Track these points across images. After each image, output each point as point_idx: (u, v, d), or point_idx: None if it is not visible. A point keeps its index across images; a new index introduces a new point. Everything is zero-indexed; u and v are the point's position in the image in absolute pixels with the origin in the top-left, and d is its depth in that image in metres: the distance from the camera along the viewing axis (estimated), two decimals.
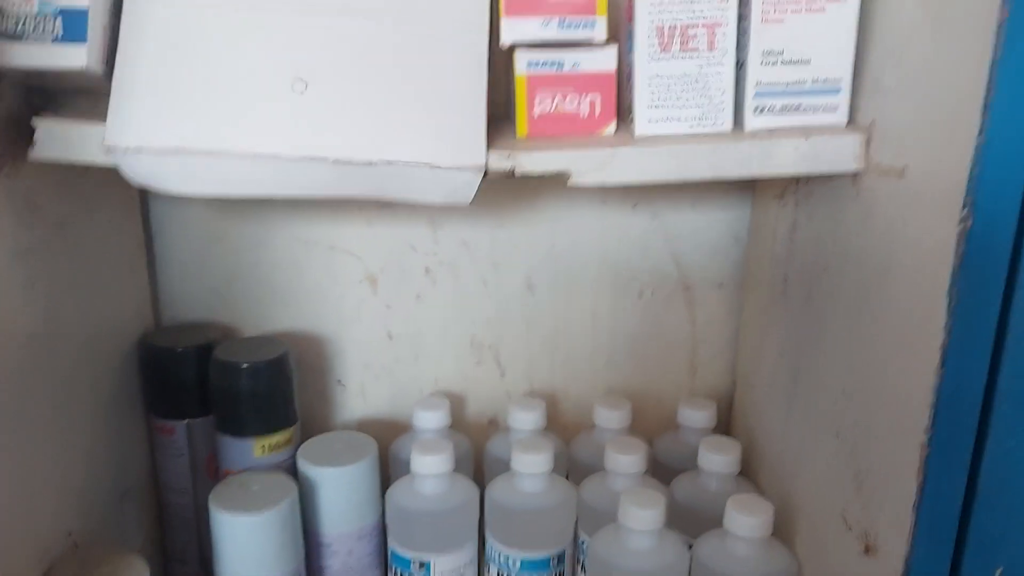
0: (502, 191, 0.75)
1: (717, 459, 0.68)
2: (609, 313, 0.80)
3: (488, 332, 0.80)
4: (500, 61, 0.56)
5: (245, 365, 0.65)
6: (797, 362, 0.64)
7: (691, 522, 0.65)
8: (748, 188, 0.75)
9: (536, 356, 0.81)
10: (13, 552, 0.48)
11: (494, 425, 0.82)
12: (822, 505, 0.58)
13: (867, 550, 0.50)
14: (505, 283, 0.78)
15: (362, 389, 0.80)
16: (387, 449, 0.75)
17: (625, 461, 0.68)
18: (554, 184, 0.74)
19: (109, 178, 0.50)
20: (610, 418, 0.76)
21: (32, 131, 0.50)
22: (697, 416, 0.75)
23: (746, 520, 0.60)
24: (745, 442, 0.70)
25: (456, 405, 0.80)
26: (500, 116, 0.58)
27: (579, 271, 0.78)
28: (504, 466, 0.71)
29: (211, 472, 0.70)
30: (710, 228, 0.77)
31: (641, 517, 0.61)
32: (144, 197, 0.72)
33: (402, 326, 0.78)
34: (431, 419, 0.74)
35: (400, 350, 0.79)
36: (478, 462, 0.78)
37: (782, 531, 0.63)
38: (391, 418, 0.80)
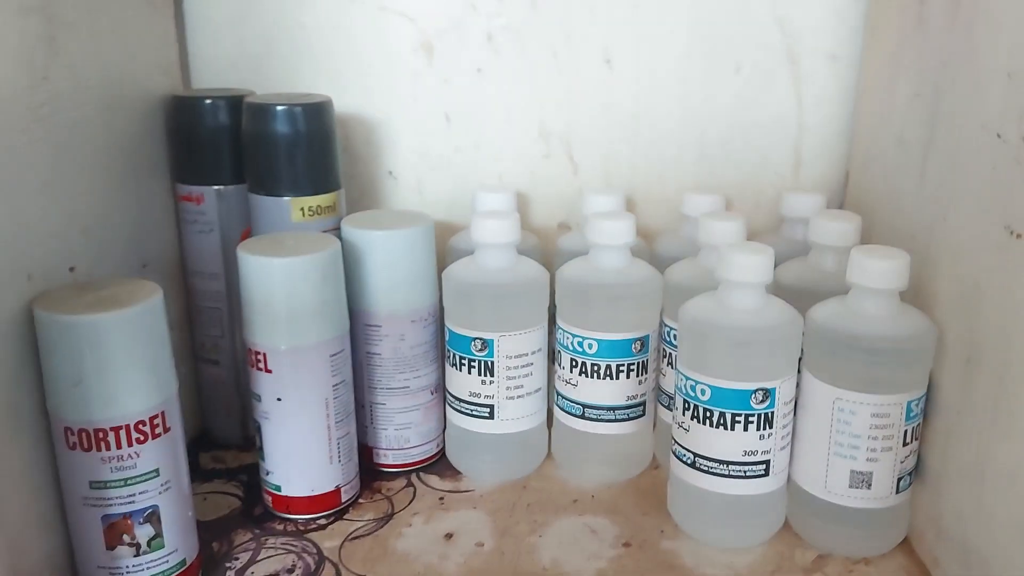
0: None
1: (835, 228, 0.57)
2: (700, 93, 0.69)
3: (558, 116, 0.69)
4: None
5: (281, 107, 0.57)
6: (938, 89, 0.52)
7: (805, 306, 0.54)
8: None
9: (614, 147, 0.70)
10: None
11: (564, 229, 0.72)
12: (977, 232, 0.46)
13: None
14: (578, 56, 0.68)
15: (417, 182, 0.71)
16: (444, 247, 0.66)
17: (723, 230, 0.58)
18: None
19: None
20: (701, 206, 0.65)
21: None
22: (806, 203, 0.64)
23: (878, 267, 0.49)
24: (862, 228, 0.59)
25: (522, 205, 0.71)
26: None
27: (665, 41, 0.67)
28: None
29: None
30: None
31: (746, 266, 0.50)
32: None
33: (461, 107, 0.69)
34: (495, 202, 0.65)
35: (459, 136, 0.70)
36: (548, 264, 0.68)
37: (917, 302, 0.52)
38: (450, 219, 0.71)
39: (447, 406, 0.62)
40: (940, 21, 0.52)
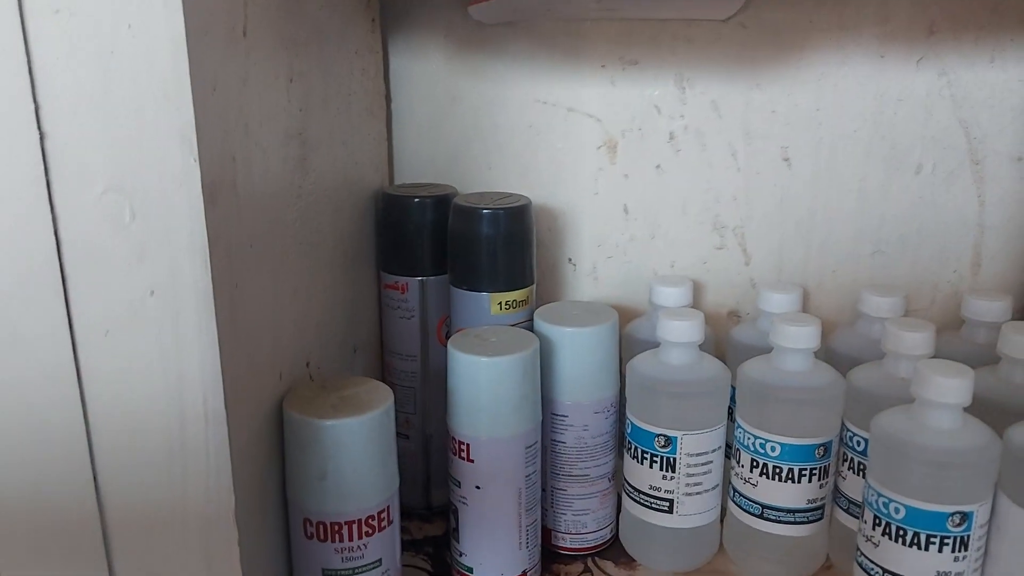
0: (762, 43, 0.67)
1: None
2: (879, 191, 0.70)
3: (734, 211, 0.71)
4: None
5: (487, 211, 0.61)
6: None
7: (992, 420, 0.54)
8: None
9: (788, 241, 0.72)
10: (259, 372, 0.46)
11: (734, 318, 0.74)
12: None
13: None
14: (758, 154, 0.70)
15: (593, 269, 0.74)
16: (620, 332, 0.69)
17: (912, 340, 0.58)
18: (825, 33, 0.66)
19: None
20: (880, 306, 0.66)
21: None
22: (990, 308, 0.64)
23: None
24: None
25: (693, 293, 0.73)
26: None
27: (846, 141, 0.69)
28: (754, 354, 0.63)
29: (441, 339, 0.66)
30: (1011, 89, 0.66)
31: (947, 388, 0.51)
32: (385, 49, 0.69)
33: (639, 200, 0.72)
34: (673, 296, 0.67)
35: (636, 228, 0.72)
36: (719, 353, 0.70)
37: None
38: (622, 303, 0.73)
39: (624, 495, 0.64)
40: None
